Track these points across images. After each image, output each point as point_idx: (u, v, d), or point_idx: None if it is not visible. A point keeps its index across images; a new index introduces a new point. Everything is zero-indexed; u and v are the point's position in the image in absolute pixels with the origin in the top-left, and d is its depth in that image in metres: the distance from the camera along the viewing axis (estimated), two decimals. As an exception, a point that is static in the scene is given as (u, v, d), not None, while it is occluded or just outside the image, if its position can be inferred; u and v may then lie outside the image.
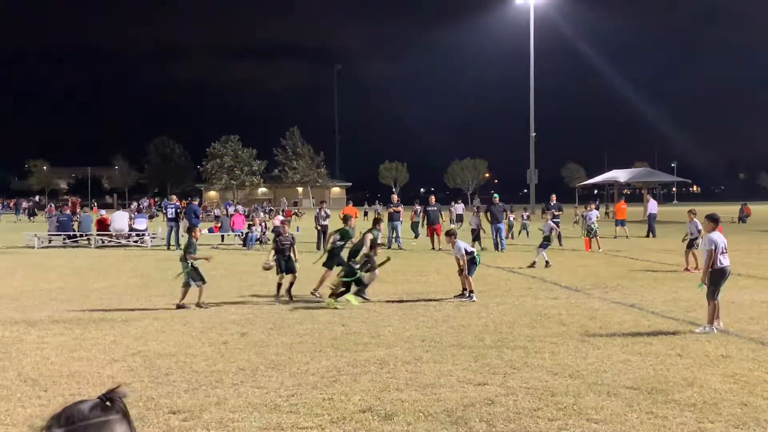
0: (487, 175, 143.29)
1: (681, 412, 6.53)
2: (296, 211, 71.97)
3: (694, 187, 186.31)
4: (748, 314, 11.85)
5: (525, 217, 34.81)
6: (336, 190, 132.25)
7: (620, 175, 57.55)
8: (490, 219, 27.34)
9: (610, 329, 10.61)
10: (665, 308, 12.55)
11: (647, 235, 32.91)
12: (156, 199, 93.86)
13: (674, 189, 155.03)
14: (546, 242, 20.56)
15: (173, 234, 27.95)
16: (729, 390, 7.28)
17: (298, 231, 37.20)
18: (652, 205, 36.06)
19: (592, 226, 26.03)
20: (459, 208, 42.34)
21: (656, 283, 16.28)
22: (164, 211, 32.82)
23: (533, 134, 66.81)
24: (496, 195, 27.75)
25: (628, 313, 12.10)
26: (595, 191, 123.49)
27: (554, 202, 29.15)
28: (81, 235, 29.69)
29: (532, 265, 19.85)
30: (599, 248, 25.26)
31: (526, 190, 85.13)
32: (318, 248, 26.25)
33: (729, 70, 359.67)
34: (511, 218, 34.05)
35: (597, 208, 31.16)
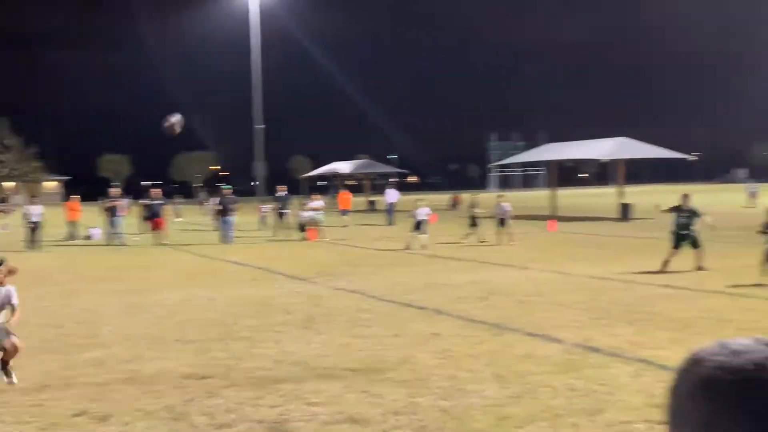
0: (215, 167, 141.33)
1: (394, 389, 6.90)
2: (3, 208, 66.08)
3: (414, 178, 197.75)
4: (456, 294, 12.79)
5: (263, 210, 34.88)
6: (52, 185, 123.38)
7: (342, 166, 59.56)
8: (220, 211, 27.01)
9: (333, 315, 10.95)
10: (385, 292, 13.18)
11: (390, 224, 34.32)
12: None
13: (396, 179, 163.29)
14: None
15: None
16: (438, 365, 7.82)
17: (5, 228, 34.27)
18: (391, 195, 37.86)
19: (318, 217, 26.63)
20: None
21: (377, 269, 17.04)
22: None
23: (260, 126, 66.97)
24: (228, 187, 27.51)
25: (350, 299, 12.56)
26: (324, 182, 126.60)
27: (285, 192, 29.18)
28: None
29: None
30: (325, 237, 25.95)
31: (255, 183, 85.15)
32: (28, 246, 24.34)
33: (439, 70, 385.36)
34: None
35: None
